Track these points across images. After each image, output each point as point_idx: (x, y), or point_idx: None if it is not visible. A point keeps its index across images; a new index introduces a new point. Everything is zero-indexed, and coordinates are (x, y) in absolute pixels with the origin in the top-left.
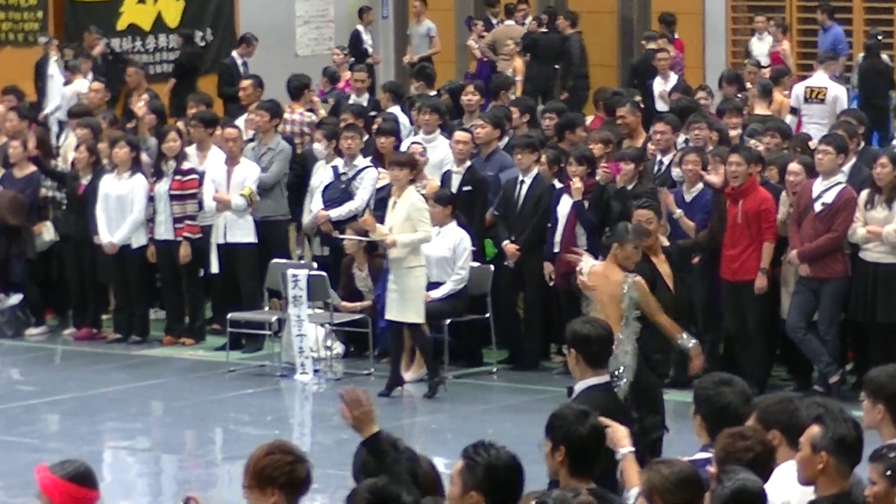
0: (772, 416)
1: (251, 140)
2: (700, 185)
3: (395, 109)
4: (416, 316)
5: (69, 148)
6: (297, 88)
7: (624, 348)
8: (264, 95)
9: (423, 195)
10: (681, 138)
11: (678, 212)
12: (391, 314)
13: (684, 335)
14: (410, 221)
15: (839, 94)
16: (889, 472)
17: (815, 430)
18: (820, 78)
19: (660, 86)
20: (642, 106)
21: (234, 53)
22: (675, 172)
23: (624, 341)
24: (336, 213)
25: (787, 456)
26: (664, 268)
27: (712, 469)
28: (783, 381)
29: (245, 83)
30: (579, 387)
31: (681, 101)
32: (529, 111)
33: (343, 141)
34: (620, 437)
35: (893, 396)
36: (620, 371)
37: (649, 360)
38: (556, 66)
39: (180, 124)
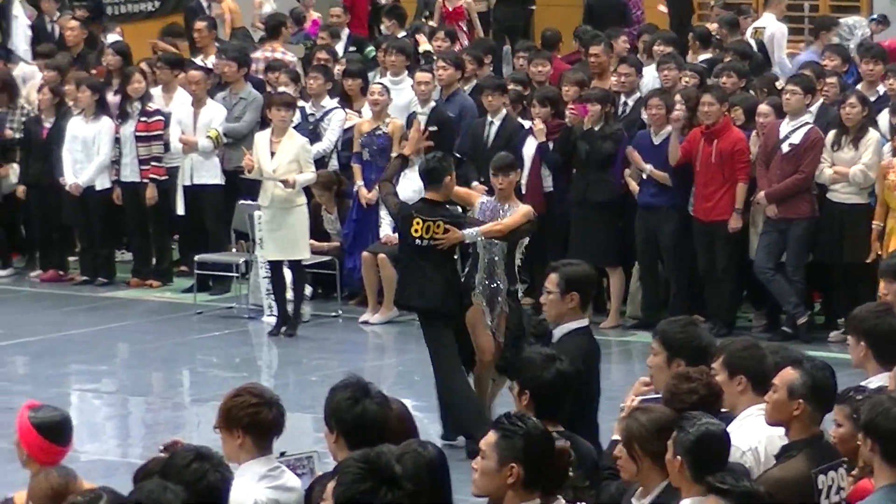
0: (739, 361)
1: (219, 85)
2: (668, 129)
3: None
4: (305, 251)
5: (33, 89)
6: (274, 27)
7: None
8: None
9: (386, 134)
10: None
11: (647, 167)
12: (275, 254)
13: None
14: (297, 162)
15: (775, 32)
16: (854, 415)
17: (792, 374)
18: (765, 18)
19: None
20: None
21: None
22: (646, 115)
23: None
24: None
25: (751, 401)
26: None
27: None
28: (751, 323)
29: (199, 25)
30: (560, 331)
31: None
32: (492, 52)
33: (310, 81)
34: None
35: (874, 332)
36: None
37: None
38: (531, 6)
39: (145, 65)
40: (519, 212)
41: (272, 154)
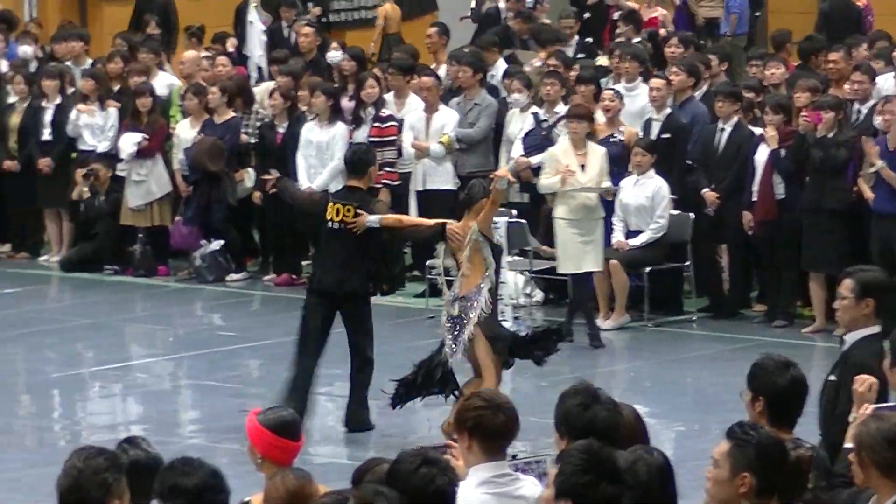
0: None
1: (451, 91)
2: None
3: None
4: (600, 264)
5: (266, 94)
6: (548, 41)
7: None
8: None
9: (621, 141)
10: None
11: (879, 163)
12: (583, 265)
13: None
14: (602, 174)
15: None
16: None
17: None
18: None
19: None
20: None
21: None
22: (878, 121)
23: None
24: (537, 159)
25: None
26: None
27: None
28: None
29: (431, 30)
30: (852, 336)
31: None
32: (727, 59)
33: (544, 88)
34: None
35: None
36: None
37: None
38: (757, 14)
39: (378, 71)
40: (430, 221)
41: (581, 167)
